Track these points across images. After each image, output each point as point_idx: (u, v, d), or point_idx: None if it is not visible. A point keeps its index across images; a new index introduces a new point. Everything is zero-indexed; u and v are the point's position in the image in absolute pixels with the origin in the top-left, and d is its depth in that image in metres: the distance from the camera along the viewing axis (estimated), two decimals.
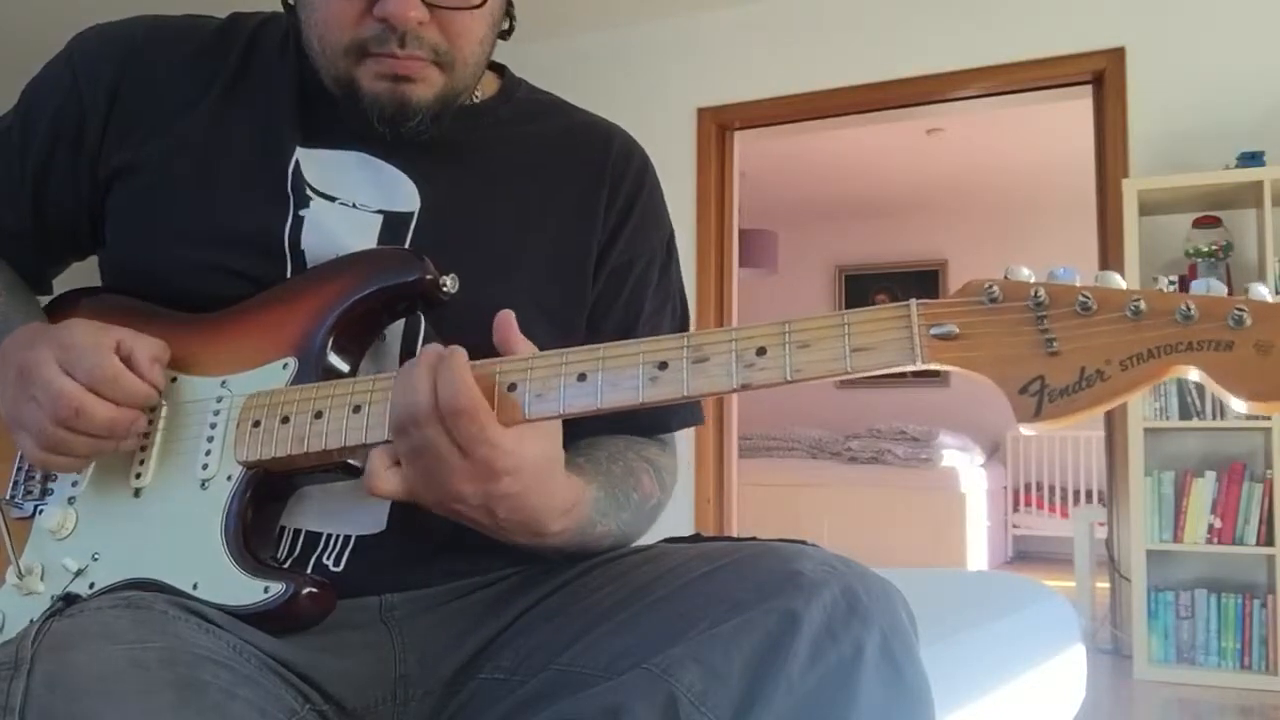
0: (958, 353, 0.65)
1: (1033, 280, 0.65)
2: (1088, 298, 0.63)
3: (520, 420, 0.72)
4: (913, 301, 0.67)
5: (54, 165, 0.92)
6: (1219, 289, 0.61)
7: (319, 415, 0.77)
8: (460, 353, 0.72)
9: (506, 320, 0.76)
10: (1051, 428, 0.63)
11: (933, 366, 0.66)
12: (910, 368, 0.66)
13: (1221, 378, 0.60)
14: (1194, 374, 0.61)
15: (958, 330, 0.65)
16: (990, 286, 0.65)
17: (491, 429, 0.70)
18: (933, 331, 0.65)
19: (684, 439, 1.03)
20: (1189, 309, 0.61)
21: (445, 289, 0.82)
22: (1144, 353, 0.61)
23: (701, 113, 4.24)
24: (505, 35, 0.94)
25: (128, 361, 0.79)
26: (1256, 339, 0.59)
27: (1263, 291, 0.61)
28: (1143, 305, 0.62)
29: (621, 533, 0.87)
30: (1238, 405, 0.60)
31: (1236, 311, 0.60)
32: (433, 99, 0.86)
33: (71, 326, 0.80)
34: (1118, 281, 0.64)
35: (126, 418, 0.79)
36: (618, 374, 0.71)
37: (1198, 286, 0.62)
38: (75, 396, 0.76)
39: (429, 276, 0.82)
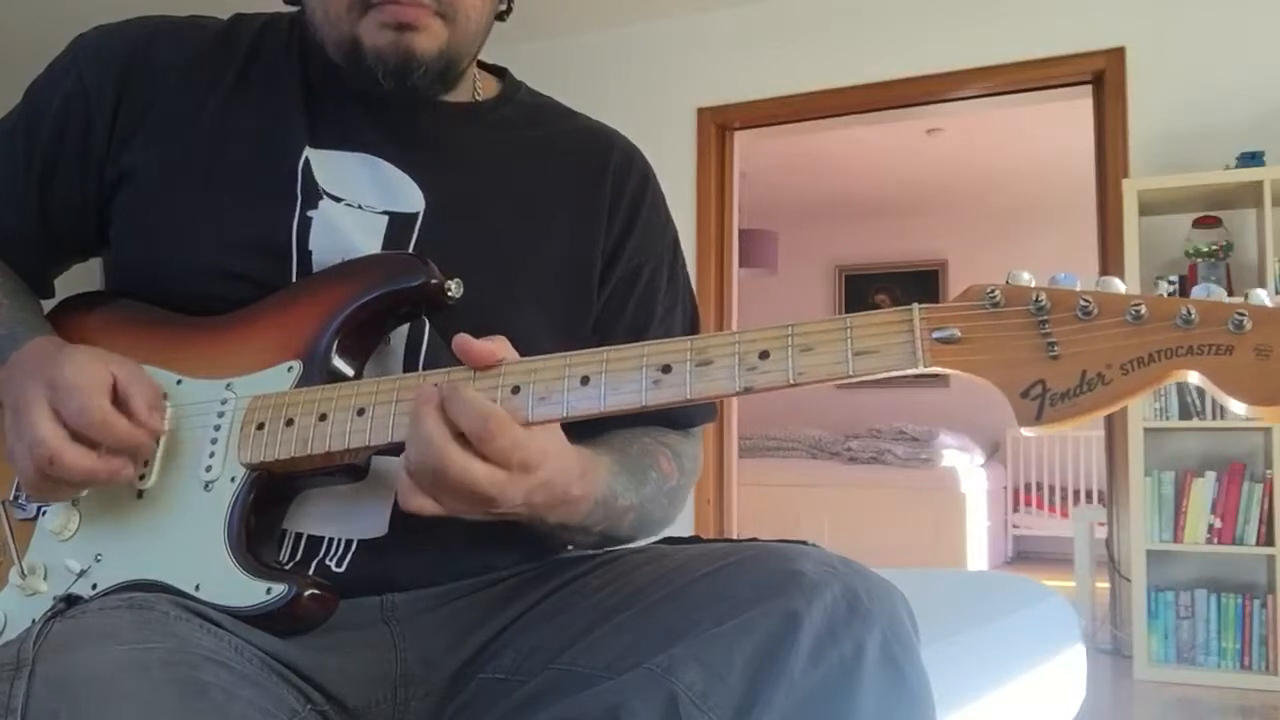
0: (960, 356, 0.65)
1: (1034, 285, 0.66)
2: (1088, 302, 0.63)
3: (525, 424, 0.72)
4: (915, 306, 0.67)
5: (60, 165, 0.91)
6: (1219, 294, 0.62)
7: (323, 417, 0.77)
8: (461, 384, 0.72)
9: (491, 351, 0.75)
10: (1052, 431, 0.63)
11: (935, 370, 0.66)
12: (912, 371, 0.66)
13: (1222, 382, 0.60)
14: (1194, 378, 0.61)
15: (960, 334, 0.66)
16: (992, 291, 0.66)
17: (519, 434, 0.71)
18: (935, 335, 0.66)
19: None
20: (1189, 313, 0.61)
21: (450, 293, 0.82)
22: (1145, 357, 0.62)
23: (701, 113, 4.24)
24: (503, 16, 0.95)
25: (125, 404, 0.78)
26: (1256, 344, 0.60)
27: (1263, 296, 0.61)
28: (1143, 310, 0.62)
29: (643, 510, 0.87)
30: (1238, 409, 0.60)
31: (1237, 316, 0.60)
32: (436, 52, 0.86)
33: (67, 361, 0.78)
34: (1118, 286, 0.64)
35: (107, 468, 0.77)
36: (621, 377, 0.71)
37: (1198, 291, 0.63)
38: (51, 444, 0.75)
39: (434, 281, 0.82)
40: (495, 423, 0.70)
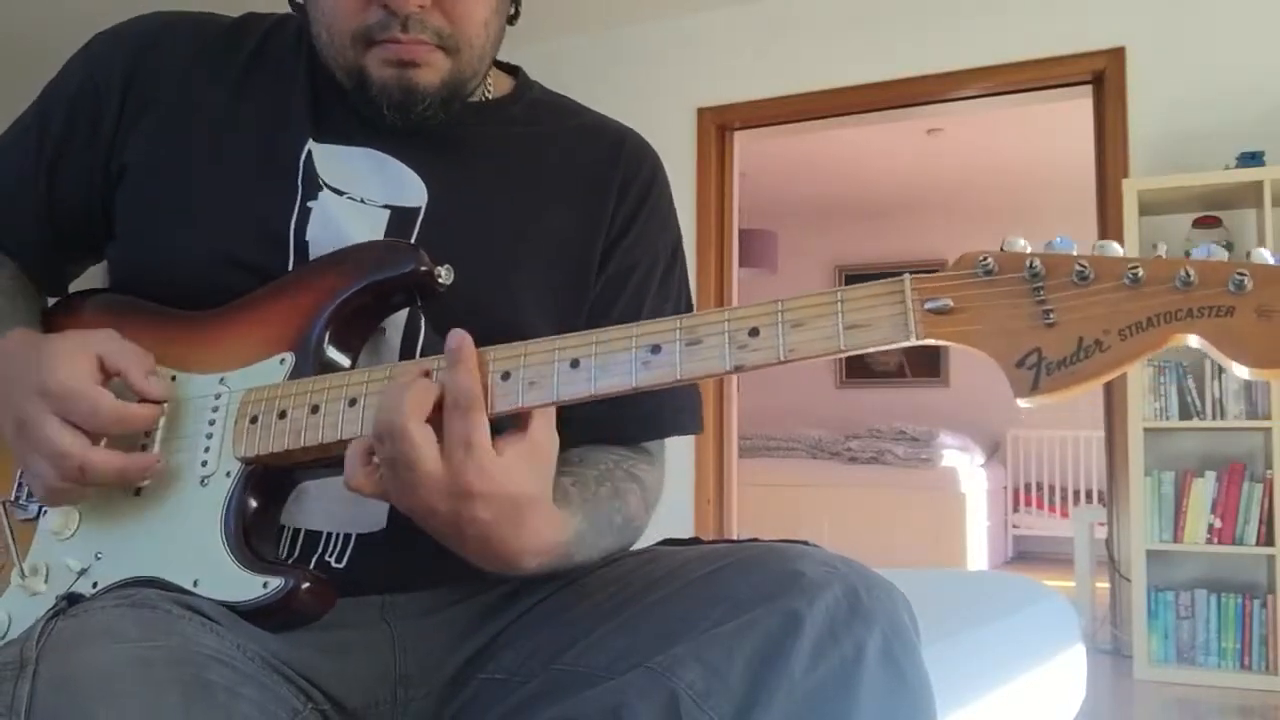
0: (953, 327, 0.63)
1: (1029, 250, 0.63)
2: (1085, 267, 0.61)
3: (516, 410, 0.71)
4: (906, 276, 0.65)
5: (69, 158, 0.92)
6: (1220, 254, 0.59)
7: (315, 409, 0.77)
8: (471, 350, 0.71)
9: None
10: (1050, 401, 0.61)
11: (928, 342, 0.64)
12: (905, 344, 0.64)
13: (1222, 344, 0.58)
14: (1194, 341, 0.59)
15: (953, 304, 0.64)
16: (985, 258, 0.64)
17: (478, 435, 0.69)
18: (927, 306, 0.64)
19: (684, 439, 1.01)
20: (1188, 275, 0.59)
21: (440, 279, 0.81)
22: (1143, 321, 0.59)
23: (701, 113, 4.24)
24: (512, 20, 0.95)
25: (122, 378, 0.78)
26: (1258, 304, 0.57)
27: (1265, 255, 0.58)
28: (1141, 272, 0.60)
29: (598, 561, 0.84)
30: (1240, 372, 0.58)
31: (1237, 276, 0.58)
32: (439, 84, 0.86)
33: (54, 364, 0.77)
34: (1116, 250, 0.62)
35: (138, 464, 0.78)
36: (611, 359, 0.70)
37: (1198, 253, 0.60)
38: (77, 455, 0.75)
39: (423, 268, 0.81)
40: (472, 400, 0.69)
